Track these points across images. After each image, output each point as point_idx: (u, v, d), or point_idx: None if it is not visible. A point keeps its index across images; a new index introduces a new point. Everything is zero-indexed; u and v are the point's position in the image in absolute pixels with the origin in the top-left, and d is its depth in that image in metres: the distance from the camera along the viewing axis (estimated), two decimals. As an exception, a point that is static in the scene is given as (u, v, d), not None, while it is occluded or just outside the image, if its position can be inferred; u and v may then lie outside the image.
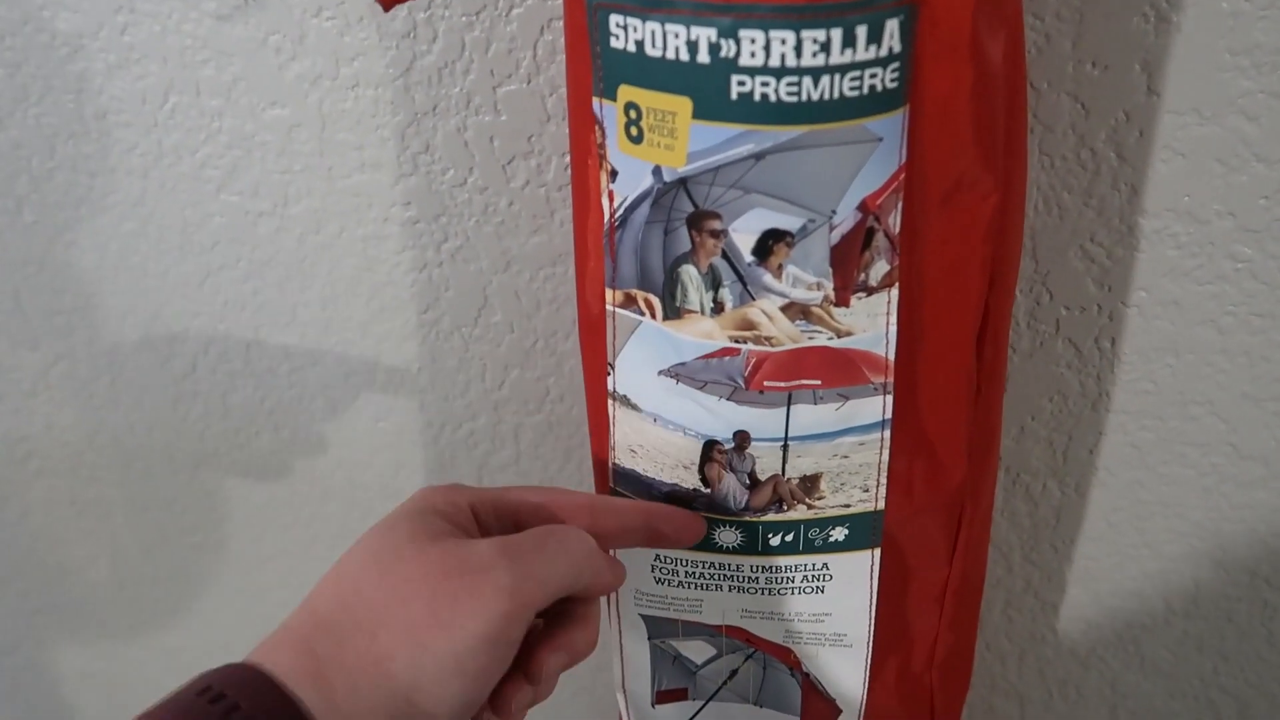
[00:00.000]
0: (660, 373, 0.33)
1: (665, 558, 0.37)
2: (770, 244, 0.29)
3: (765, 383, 0.32)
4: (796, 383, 0.32)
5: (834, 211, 0.29)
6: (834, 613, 0.37)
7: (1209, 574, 0.49)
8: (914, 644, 0.40)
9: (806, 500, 0.34)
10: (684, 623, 0.39)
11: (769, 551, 0.36)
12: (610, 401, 0.35)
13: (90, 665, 0.68)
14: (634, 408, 0.34)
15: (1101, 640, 0.52)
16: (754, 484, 0.34)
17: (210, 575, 0.61)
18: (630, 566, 0.38)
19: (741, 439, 0.33)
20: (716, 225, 0.30)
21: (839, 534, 0.35)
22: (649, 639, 0.40)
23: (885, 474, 0.34)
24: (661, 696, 0.41)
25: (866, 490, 0.34)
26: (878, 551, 0.36)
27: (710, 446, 0.33)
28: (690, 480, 0.34)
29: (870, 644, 0.38)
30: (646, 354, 0.33)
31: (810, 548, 0.36)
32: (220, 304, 0.50)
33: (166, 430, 0.56)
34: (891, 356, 0.32)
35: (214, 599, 0.62)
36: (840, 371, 0.32)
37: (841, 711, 0.41)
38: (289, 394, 0.53)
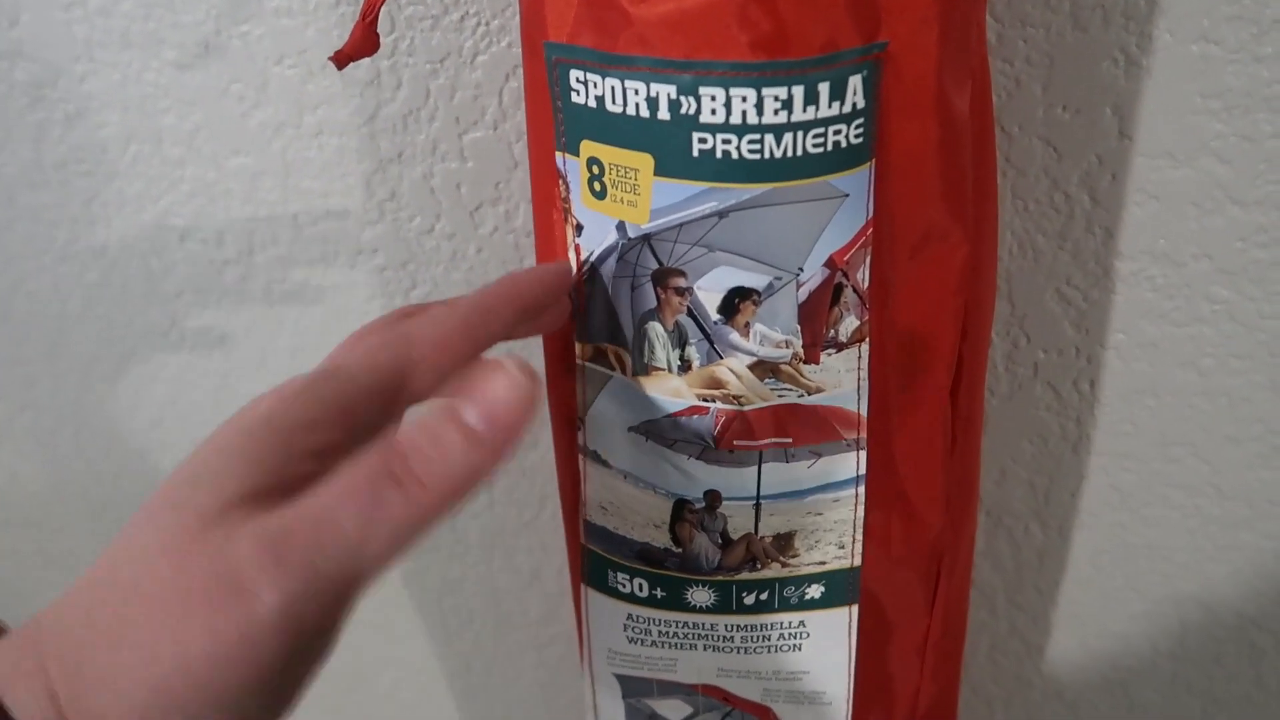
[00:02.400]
0: (630, 429, 0.32)
1: (638, 618, 0.36)
2: (736, 302, 0.29)
3: (735, 442, 0.31)
4: (767, 441, 0.31)
5: (800, 269, 0.28)
6: (812, 670, 0.36)
7: (1196, 616, 0.48)
8: (895, 697, 0.39)
9: (781, 558, 0.33)
10: (659, 682, 0.38)
11: (744, 610, 0.35)
12: (581, 457, 0.34)
13: None
14: (605, 464, 0.33)
15: (1089, 683, 0.51)
16: (726, 543, 0.33)
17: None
18: (602, 627, 0.37)
19: (713, 498, 0.32)
20: (681, 283, 0.29)
21: (815, 591, 0.34)
22: (623, 698, 0.39)
23: (861, 530, 0.33)
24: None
25: (842, 547, 0.33)
26: (855, 607, 0.35)
27: (681, 506, 0.33)
28: (661, 539, 0.34)
29: (850, 700, 0.37)
30: (617, 409, 0.32)
31: (786, 606, 0.35)
32: (187, 352, 0.49)
33: (135, 481, 0.55)
34: (864, 412, 0.31)
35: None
36: (812, 429, 0.31)
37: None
38: (258, 443, 0.51)
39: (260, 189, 0.44)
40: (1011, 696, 0.53)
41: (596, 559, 0.35)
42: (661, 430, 0.31)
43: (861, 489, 0.32)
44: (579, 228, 0.29)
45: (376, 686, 0.60)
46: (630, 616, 0.36)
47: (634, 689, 0.38)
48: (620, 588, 0.35)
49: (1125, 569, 0.47)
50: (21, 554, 0.59)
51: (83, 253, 0.47)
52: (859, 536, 0.33)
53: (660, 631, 0.36)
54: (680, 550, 0.33)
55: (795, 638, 0.35)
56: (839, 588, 0.34)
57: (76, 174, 0.45)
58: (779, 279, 0.28)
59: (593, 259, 0.30)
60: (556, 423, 0.35)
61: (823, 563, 0.34)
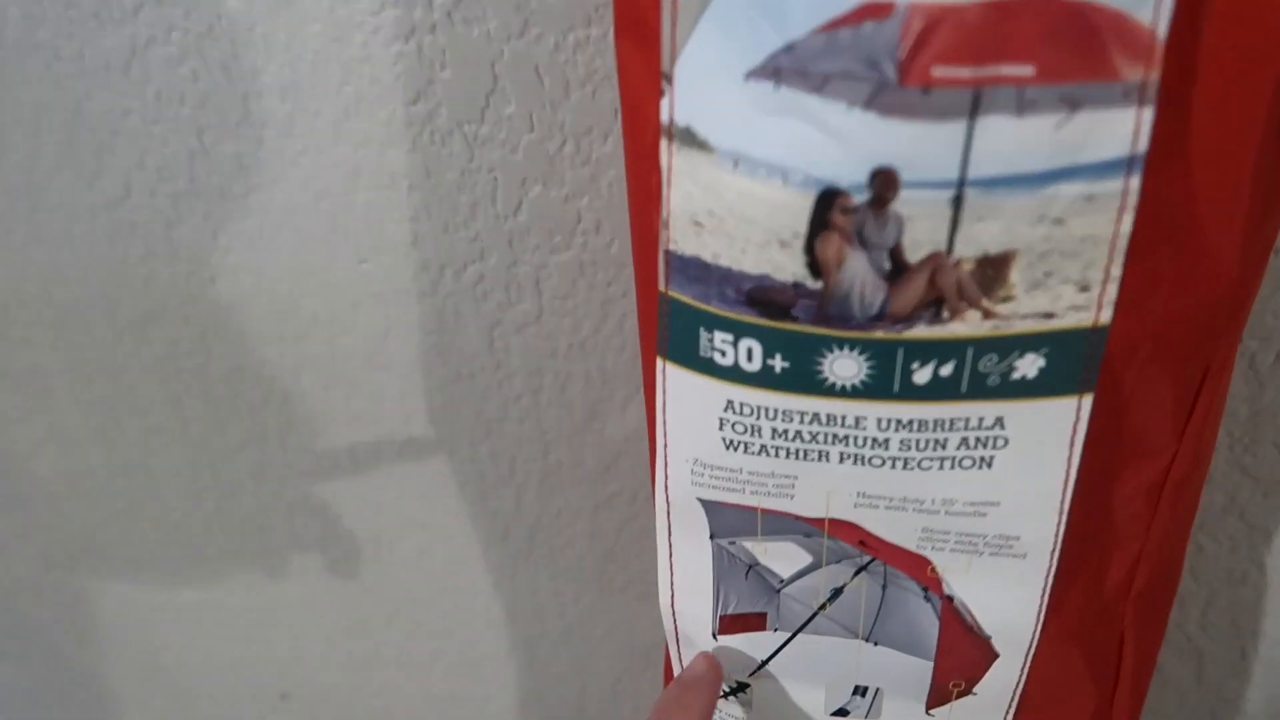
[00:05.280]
0: (750, 74, 0.20)
1: (743, 408, 0.24)
2: None
3: (936, 70, 0.18)
4: (991, 71, 0.18)
5: None
6: (1004, 501, 0.24)
7: None
8: (1110, 559, 0.27)
9: (984, 301, 0.21)
10: (766, 513, 0.26)
11: (912, 394, 0.22)
12: (664, 142, 0.22)
13: (45, 577, 0.57)
14: (702, 146, 0.21)
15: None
16: (898, 270, 0.21)
17: (173, 468, 0.50)
18: (687, 423, 0.25)
19: (884, 184, 0.20)
20: None
21: (1030, 366, 0.22)
22: (712, 538, 0.27)
23: (1123, 258, 0.20)
24: (727, 624, 0.28)
25: (1086, 288, 0.21)
26: (1088, 400, 0.22)
27: (829, 200, 0.20)
28: (790, 266, 0.21)
29: (1056, 553, 0.25)
30: (726, 44, 0.20)
31: (979, 389, 0.22)
32: (152, 95, 0.38)
33: (103, 275, 0.44)
34: (1163, 29, 0.18)
35: (177, 496, 0.51)
36: (1070, 49, 0.18)
37: (998, 656, 0.27)
38: (247, 224, 0.40)
39: None
40: (1215, 594, 0.40)
41: (682, 314, 0.23)
42: (806, 60, 0.19)
43: (1135, 181, 0.19)
44: None
45: (397, 553, 0.50)
46: (731, 405, 0.24)
47: (728, 524, 0.26)
48: (717, 357, 0.23)
49: None
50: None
51: (13, -54, 0.36)
52: (1116, 271, 0.20)
53: (775, 429, 0.24)
54: (821, 283, 0.21)
55: (987, 445, 0.23)
56: (1070, 361, 0.22)
57: None
58: None
59: None
60: (627, 92, 0.23)
61: (1051, 314, 0.21)
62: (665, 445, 0.25)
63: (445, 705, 0.57)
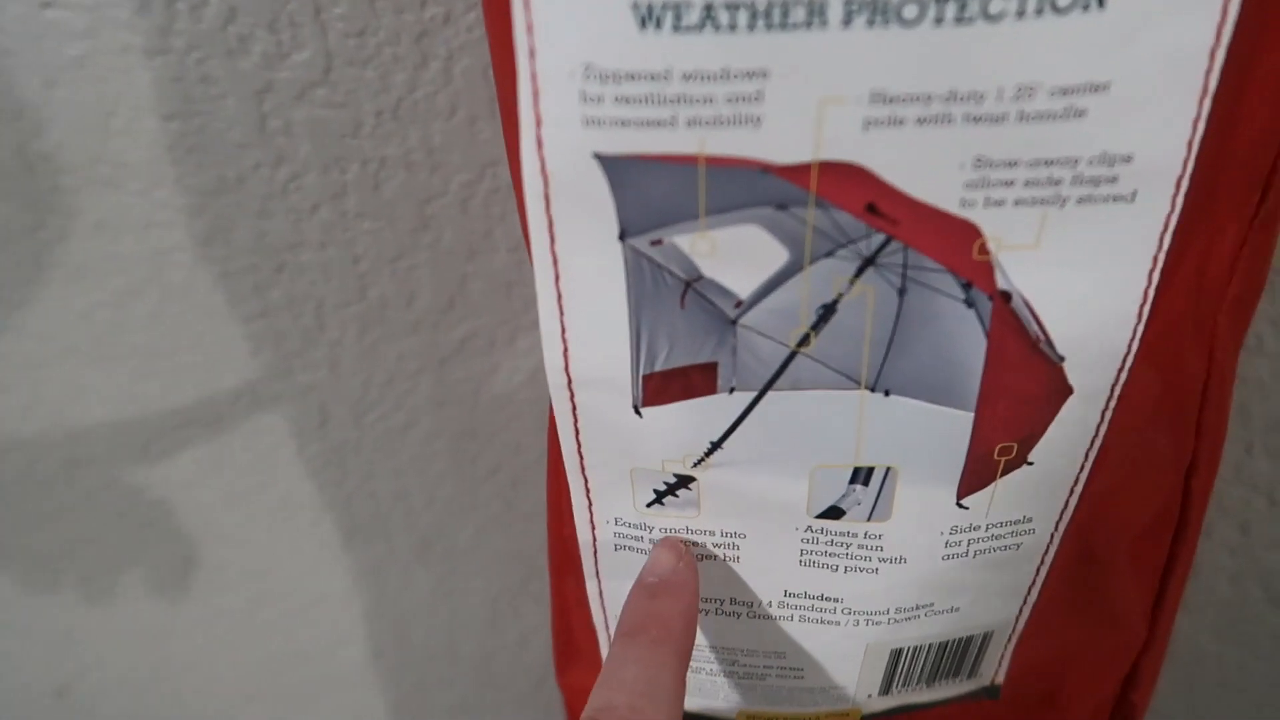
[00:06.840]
0: None
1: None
2: None
3: None
4: None
5: None
6: (1119, 77, 0.14)
7: None
8: (1225, 226, 0.18)
9: None
10: (714, 166, 0.15)
11: None
12: None
13: None
14: None
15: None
16: None
17: None
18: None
19: None
20: None
21: None
22: (623, 238, 0.16)
23: None
24: (656, 388, 0.18)
25: None
26: None
27: None
28: None
29: (1184, 186, 0.15)
30: None
31: None
32: None
33: None
34: None
35: None
36: None
37: (1072, 392, 0.18)
38: None
39: None
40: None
41: None
42: None
43: None
44: None
45: (179, 469, 0.37)
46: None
47: (647, 203, 0.16)
48: None
49: None
50: None
51: None
52: None
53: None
54: None
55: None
56: None
57: None
58: None
59: None
60: None
61: None
62: (532, 54, 0.14)
63: (280, 665, 0.45)
